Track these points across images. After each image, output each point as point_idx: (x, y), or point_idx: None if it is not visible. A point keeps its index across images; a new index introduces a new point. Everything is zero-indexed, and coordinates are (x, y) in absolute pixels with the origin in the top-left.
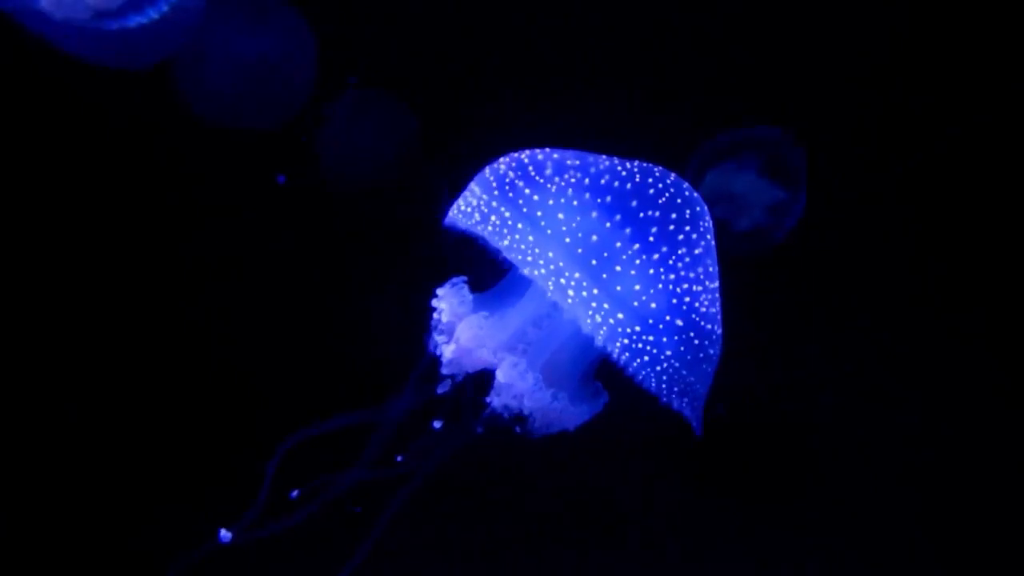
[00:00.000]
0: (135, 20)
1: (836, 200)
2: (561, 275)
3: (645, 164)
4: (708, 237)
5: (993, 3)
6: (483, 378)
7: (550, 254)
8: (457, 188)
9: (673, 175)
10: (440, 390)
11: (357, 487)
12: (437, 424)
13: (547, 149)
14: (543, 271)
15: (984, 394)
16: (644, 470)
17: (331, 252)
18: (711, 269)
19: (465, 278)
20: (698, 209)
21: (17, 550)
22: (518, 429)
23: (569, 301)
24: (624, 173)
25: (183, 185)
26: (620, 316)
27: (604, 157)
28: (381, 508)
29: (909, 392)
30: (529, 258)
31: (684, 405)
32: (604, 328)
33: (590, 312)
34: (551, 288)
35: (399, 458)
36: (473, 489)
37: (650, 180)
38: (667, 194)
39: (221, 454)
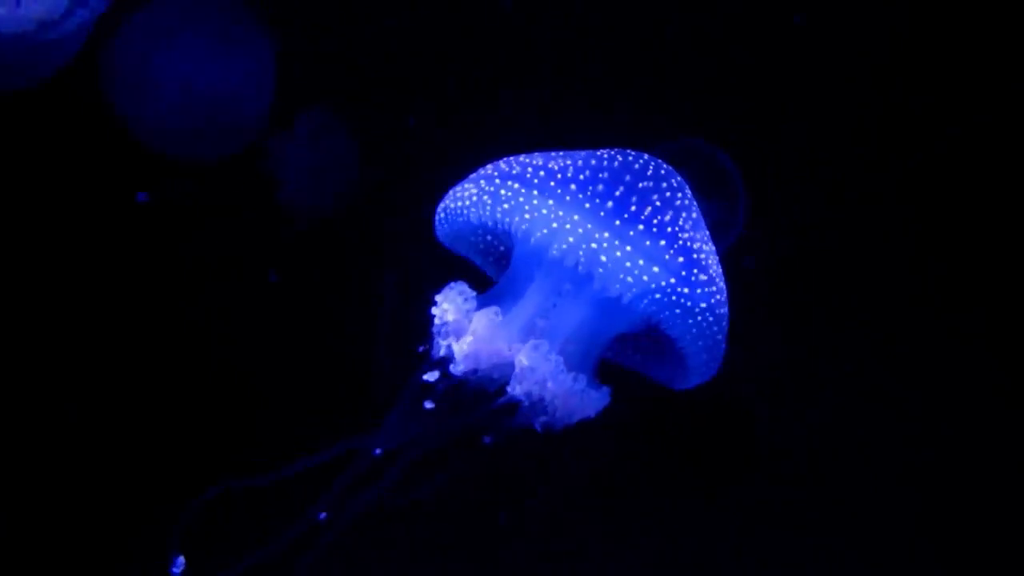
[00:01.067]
0: (73, 20)
1: (835, 200)
2: (591, 238)
3: (614, 149)
4: (696, 202)
5: (993, 3)
6: (480, 384)
7: (575, 216)
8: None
9: (645, 154)
10: (442, 385)
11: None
12: (429, 405)
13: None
14: (572, 237)
15: (984, 394)
16: (641, 471)
17: (329, 256)
18: (707, 233)
19: (463, 282)
20: (680, 179)
21: (17, 550)
22: (536, 421)
23: (604, 259)
24: (605, 156)
25: (182, 185)
26: (655, 270)
27: (576, 151)
28: (384, 513)
29: (909, 392)
30: (555, 224)
31: (704, 363)
32: (641, 285)
33: (626, 269)
34: (583, 254)
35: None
36: (473, 491)
37: (631, 158)
38: (651, 166)
39: (221, 454)
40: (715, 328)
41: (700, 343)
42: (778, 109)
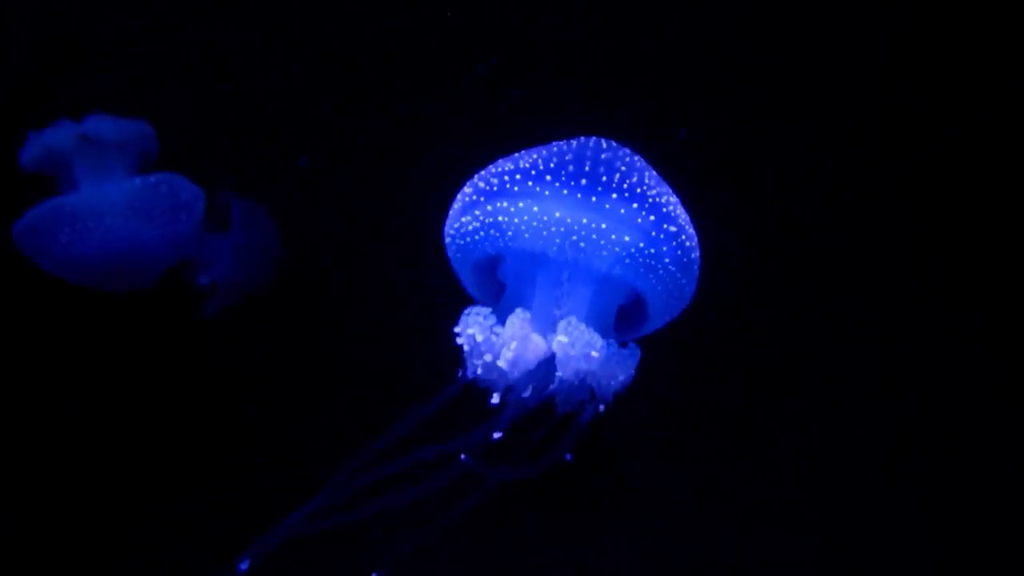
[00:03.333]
0: None
1: (837, 200)
2: (573, 229)
3: (567, 139)
4: (649, 166)
5: (993, 3)
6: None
7: (557, 214)
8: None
9: (592, 136)
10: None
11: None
12: (497, 435)
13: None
14: (557, 236)
15: (984, 394)
16: (640, 471)
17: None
18: (667, 186)
19: (474, 305)
20: (629, 149)
21: (17, 550)
22: (585, 401)
23: (583, 245)
24: (563, 143)
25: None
26: (627, 239)
27: (534, 147)
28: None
29: (909, 392)
30: (543, 231)
31: (671, 309)
32: (614, 256)
33: (602, 246)
34: (567, 247)
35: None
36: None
37: (583, 140)
38: (604, 142)
39: (221, 455)
40: (679, 276)
41: (662, 290)
42: (778, 109)
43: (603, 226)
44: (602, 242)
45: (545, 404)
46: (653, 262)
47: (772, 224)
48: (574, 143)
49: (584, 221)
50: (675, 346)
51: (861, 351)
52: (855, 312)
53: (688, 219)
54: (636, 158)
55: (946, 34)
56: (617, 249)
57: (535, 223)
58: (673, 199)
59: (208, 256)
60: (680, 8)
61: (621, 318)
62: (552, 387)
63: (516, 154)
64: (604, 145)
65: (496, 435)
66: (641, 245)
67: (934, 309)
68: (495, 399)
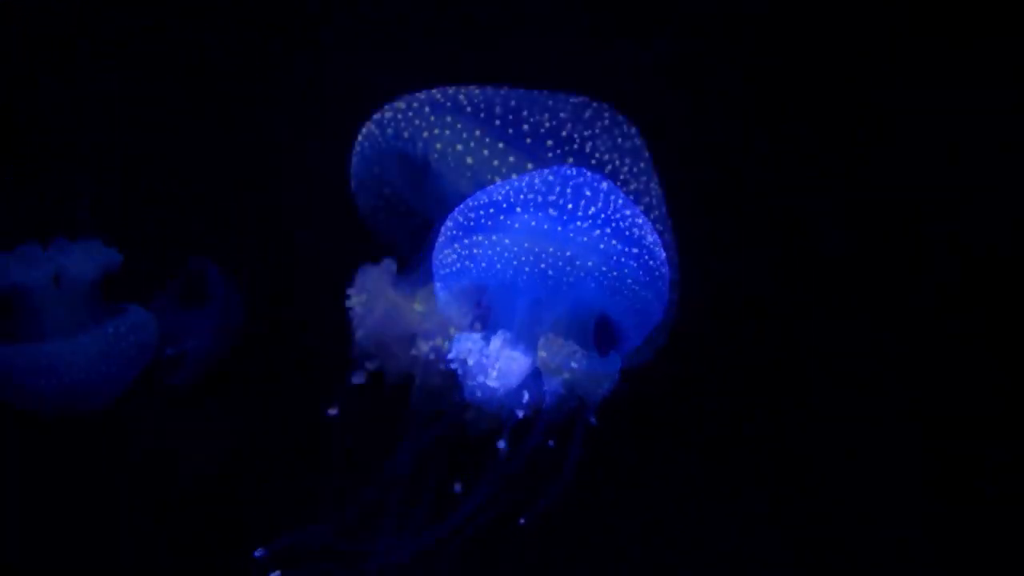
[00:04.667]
0: None
1: (836, 200)
2: (540, 258)
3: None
4: (618, 189)
5: (993, 3)
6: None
7: (526, 244)
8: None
9: (568, 165)
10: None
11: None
12: (502, 444)
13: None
14: (526, 266)
15: (984, 394)
16: (640, 472)
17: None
18: (636, 208)
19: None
20: (599, 175)
21: (17, 551)
22: (574, 411)
23: (551, 273)
24: (535, 173)
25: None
26: (591, 263)
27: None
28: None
29: (909, 392)
30: (515, 262)
31: (638, 325)
32: (581, 279)
33: (569, 272)
34: (536, 274)
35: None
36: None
37: (554, 168)
38: (573, 170)
39: (222, 458)
40: (645, 293)
41: (628, 307)
42: (777, 108)
43: (568, 253)
44: (568, 268)
45: (538, 415)
46: (618, 283)
47: (772, 223)
48: (546, 171)
49: (551, 250)
50: (676, 346)
51: (861, 351)
52: (856, 312)
53: (656, 239)
54: (605, 183)
55: (946, 34)
56: (582, 274)
57: (506, 254)
58: (640, 220)
59: (175, 330)
60: (680, 7)
61: (609, 336)
62: (544, 400)
63: (491, 186)
64: (574, 172)
65: (502, 447)
66: (604, 269)
67: (934, 309)
68: (519, 414)
